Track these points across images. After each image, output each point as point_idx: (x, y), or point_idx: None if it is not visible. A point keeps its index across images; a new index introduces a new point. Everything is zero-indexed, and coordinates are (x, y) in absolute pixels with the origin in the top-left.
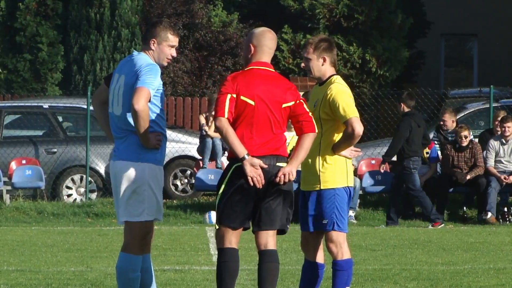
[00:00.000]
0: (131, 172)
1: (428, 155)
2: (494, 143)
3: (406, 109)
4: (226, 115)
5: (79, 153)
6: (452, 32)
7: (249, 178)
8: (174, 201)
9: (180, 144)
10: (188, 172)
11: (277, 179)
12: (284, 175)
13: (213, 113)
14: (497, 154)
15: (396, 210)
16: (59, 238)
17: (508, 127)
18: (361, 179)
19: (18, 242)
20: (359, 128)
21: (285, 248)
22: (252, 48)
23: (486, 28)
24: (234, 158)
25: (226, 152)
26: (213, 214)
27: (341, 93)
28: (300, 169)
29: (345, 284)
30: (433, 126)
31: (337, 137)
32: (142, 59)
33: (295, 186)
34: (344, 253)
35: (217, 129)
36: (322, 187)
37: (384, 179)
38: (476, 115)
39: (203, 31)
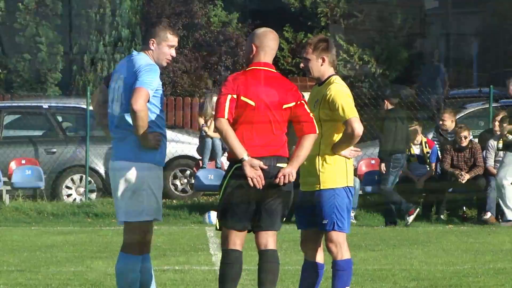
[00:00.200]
0: (131, 173)
1: (428, 155)
2: (493, 143)
3: (390, 106)
4: (226, 116)
5: (79, 153)
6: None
7: (249, 179)
8: (174, 201)
9: (180, 144)
10: (188, 172)
11: (277, 180)
12: (284, 176)
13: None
14: (496, 154)
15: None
16: (59, 238)
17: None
18: (360, 179)
19: (18, 242)
20: (359, 128)
21: (285, 248)
22: (254, 48)
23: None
24: (234, 159)
25: (225, 152)
26: (213, 214)
27: (341, 93)
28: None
29: (345, 284)
30: (433, 126)
31: (337, 137)
32: (142, 59)
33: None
34: (344, 253)
35: (217, 130)
36: (321, 187)
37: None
38: (475, 115)
39: (202, 31)
